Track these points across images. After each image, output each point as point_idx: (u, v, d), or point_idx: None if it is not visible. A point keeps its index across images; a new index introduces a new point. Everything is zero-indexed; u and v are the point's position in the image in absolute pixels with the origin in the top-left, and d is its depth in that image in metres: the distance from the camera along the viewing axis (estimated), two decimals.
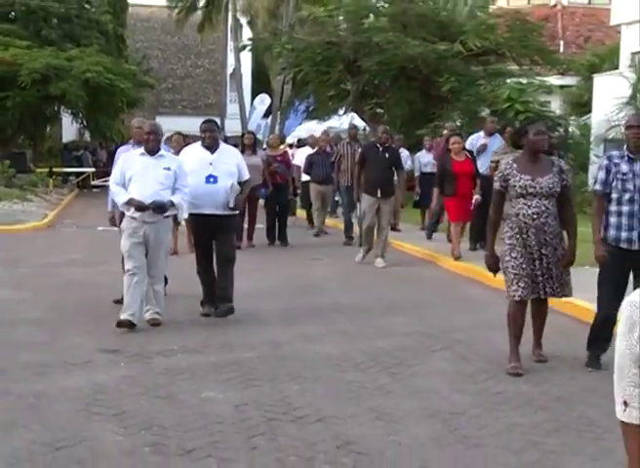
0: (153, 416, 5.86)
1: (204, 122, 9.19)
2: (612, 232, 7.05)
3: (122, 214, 8.86)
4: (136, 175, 8.50)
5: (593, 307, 9.16)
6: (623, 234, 6.99)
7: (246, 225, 15.29)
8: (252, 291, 10.89)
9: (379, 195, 12.95)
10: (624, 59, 30.07)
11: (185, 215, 8.84)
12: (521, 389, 6.62)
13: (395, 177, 13.77)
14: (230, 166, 8.99)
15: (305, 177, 18.44)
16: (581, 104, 32.47)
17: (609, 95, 23.42)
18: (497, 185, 7.13)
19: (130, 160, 8.69)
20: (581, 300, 9.39)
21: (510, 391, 6.56)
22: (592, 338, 7.38)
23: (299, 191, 19.73)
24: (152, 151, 8.59)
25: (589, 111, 28.66)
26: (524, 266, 7.00)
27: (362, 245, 13.48)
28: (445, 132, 17.36)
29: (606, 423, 5.79)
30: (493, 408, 6.16)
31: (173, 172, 8.56)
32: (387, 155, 13.20)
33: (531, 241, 7.00)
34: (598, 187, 7.08)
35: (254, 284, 11.49)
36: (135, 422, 5.71)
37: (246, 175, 9.20)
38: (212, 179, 8.82)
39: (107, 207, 9.99)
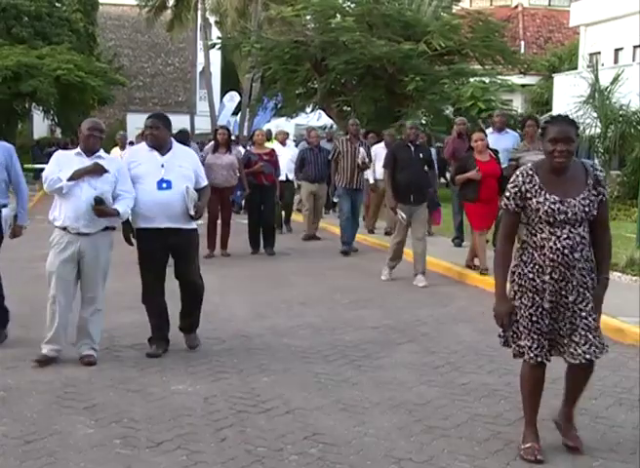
0: (123, 409, 5.93)
1: (149, 117, 7.55)
2: None
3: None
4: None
5: None
6: None
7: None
8: (221, 285, 10.97)
9: (412, 201, 11.24)
10: (583, 60, 30.60)
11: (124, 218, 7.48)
12: (485, 380, 6.74)
13: None
14: (186, 169, 7.41)
15: (283, 177, 16.54)
16: (542, 103, 33.02)
17: (568, 93, 23.75)
18: (510, 204, 5.06)
19: (64, 159, 7.21)
20: None
21: (475, 382, 6.69)
22: None
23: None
24: (91, 151, 7.16)
25: (550, 109, 29.15)
26: (540, 319, 5.06)
27: (390, 260, 11.60)
28: (454, 127, 15.46)
29: None
30: (457, 398, 6.28)
31: (112, 175, 7.14)
32: (421, 155, 11.50)
33: (558, 285, 5.00)
34: None
35: (222, 278, 11.57)
36: (105, 415, 5.78)
37: (204, 181, 7.68)
38: (165, 185, 7.24)
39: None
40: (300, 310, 9.59)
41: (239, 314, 9.35)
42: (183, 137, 13.18)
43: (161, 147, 7.39)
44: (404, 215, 11.15)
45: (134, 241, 7.59)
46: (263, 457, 5.09)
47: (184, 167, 7.42)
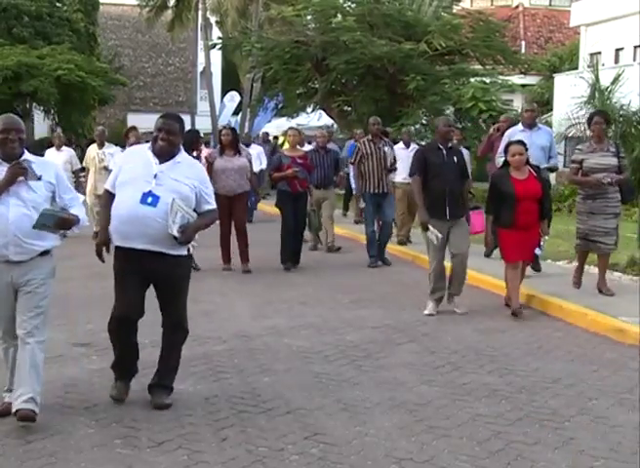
0: (124, 409, 5.94)
1: (162, 116, 6.15)
2: None
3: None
4: None
5: (553, 300, 9.40)
6: None
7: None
8: (221, 285, 10.99)
9: (447, 216, 9.38)
10: (583, 60, 30.63)
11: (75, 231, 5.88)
12: (486, 380, 6.74)
13: None
14: (182, 186, 5.90)
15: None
16: (543, 103, 33.00)
17: (569, 93, 23.78)
18: None
19: None
20: (544, 294, 9.61)
21: (475, 382, 6.69)
22: None
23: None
24: (10, 158, 5.58)
25: (550, 109, 29.17)
26: None
27: (431, 292, 9.58)
28: (492, 127, 13.58)
29: (567, 413, 5.95)
30: (458, 398, 6.28)
31: (46, 183, 5.66)
32: (455, 159, 9.61)
33: None
34: None
35: (223, 278, 11.58)
36: (106, 415, 5.78)
37: (210, 204, 6.13)
38: (150, 199, 5.79)
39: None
40: (300, 310, 9.58)
41: (240, 314, 9.35)
42: (192, 138, 11.85)
43: (165, 154, 5.99)
44: (438, 234, 9.29)
45: (106, 256, 6.22)
46: (264, 457, 5.09)
47: (182, 182, 5.93)
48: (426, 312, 9.39)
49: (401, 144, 15.44)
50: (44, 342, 5.73)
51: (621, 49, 30.70)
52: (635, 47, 29.70)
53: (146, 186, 5.84)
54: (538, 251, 9.70)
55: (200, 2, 40.97)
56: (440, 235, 9.23)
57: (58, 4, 39.06)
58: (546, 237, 9.69)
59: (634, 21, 28.37)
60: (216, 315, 9.14)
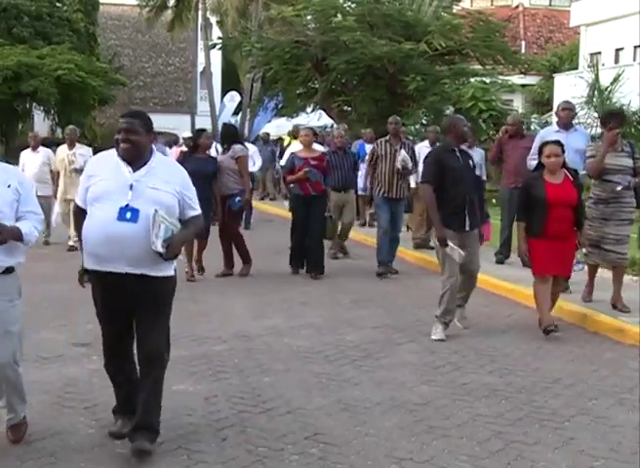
0: None
1: (122, 115, 5.34)
2: None
3: None
4: None
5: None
6: None
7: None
8: (221, 285, 10.98)
9: (467, 228, 8.35)
10: (583, 60, 30.72)
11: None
12: (486, 380, 6.75)
13: None
14: (163, 194, 5.09)
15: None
16: (543, 103, 33.12)
17: (569, 93, 23.75)
18: None
19: None
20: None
21: (475, 382, 6.70)
22: None
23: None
24: None
25: (550, 109, 29.21)
26: None
27: (442, 313, 8.41)
28: (501, 130, 13.03)
29: (567, 413, 5.96)
30: (458, 398, 6.28)
31: (13, 190, 5.07)
32: (470, 162, 8.64)
33: None
34: None
35: (223, 278, 11.57)
36: (106, 415, 5.75)
37: (195, 209, 5.33)
38: (129, 214, 4.98)
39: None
40: (300, 310, 9.58)
41: (239, 314, 9.34)
42: (196, 138, 12.06)
43: (135, 159, 5.15)
44: (460, 251, 8.16)
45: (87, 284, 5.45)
46: (264, 457, 5.09)
47: (161, 190, 5.11)
48: (435, 337, 8.23)
49: (426, 143, 14.47)
50: (19, 361, 5.32)
51: (621, 49, 30.78)
52: (635, 47, 29.77)
53: (122, 200, 5.02)
54: (579, 266, 8.79)
55: (200, 2, 41.02)
56: (463, 253, 8.15)
57: (58, 4, 39.14)
58: (584, 250, 8.73)
59: (634, 21, 28.42)
60: (216, 315, 9.14)
